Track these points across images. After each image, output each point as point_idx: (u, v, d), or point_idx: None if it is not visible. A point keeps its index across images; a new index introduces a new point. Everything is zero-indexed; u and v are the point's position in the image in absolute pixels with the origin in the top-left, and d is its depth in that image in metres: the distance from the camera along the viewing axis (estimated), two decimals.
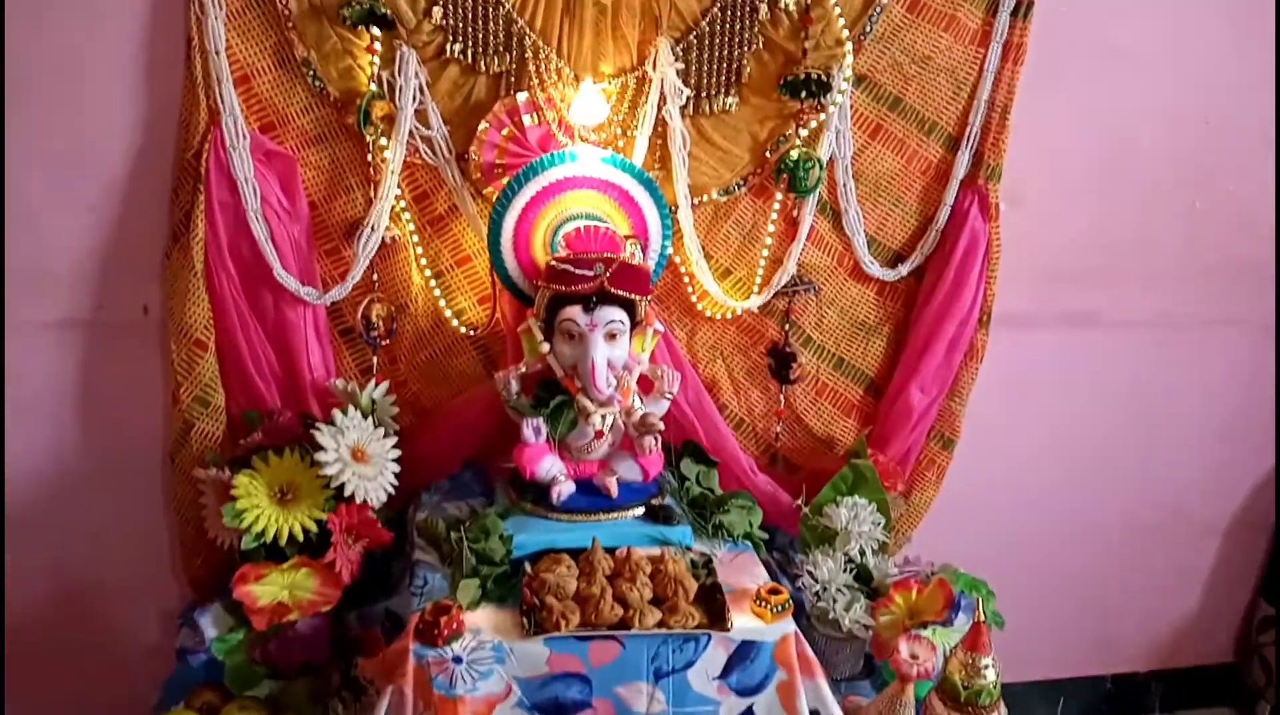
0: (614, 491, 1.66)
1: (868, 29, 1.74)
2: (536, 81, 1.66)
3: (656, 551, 1.56)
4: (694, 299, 1.86)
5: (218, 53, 1.55)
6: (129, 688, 1.93)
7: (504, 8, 1.62)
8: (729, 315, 1.88)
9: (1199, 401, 2.22)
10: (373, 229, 1.68)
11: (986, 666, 1.54)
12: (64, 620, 1.89)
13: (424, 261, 1.76)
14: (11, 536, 1.81)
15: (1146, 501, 2.27)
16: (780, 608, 1.51)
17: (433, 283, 1.78)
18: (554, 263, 1.60)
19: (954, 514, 2.05)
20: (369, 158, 1.67)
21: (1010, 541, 2.15)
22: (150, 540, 1.87)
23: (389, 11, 1.57)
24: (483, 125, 1.67)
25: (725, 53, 1.70)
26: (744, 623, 1.49)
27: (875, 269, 1.89)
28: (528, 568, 1.54)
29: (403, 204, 1.71)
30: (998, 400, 2.02)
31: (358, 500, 1.58)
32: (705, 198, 1.79)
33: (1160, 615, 2.43)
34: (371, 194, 1.68)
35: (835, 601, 1.72)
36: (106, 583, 1.88)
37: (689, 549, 1.63)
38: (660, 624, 1.46)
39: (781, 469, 2.00)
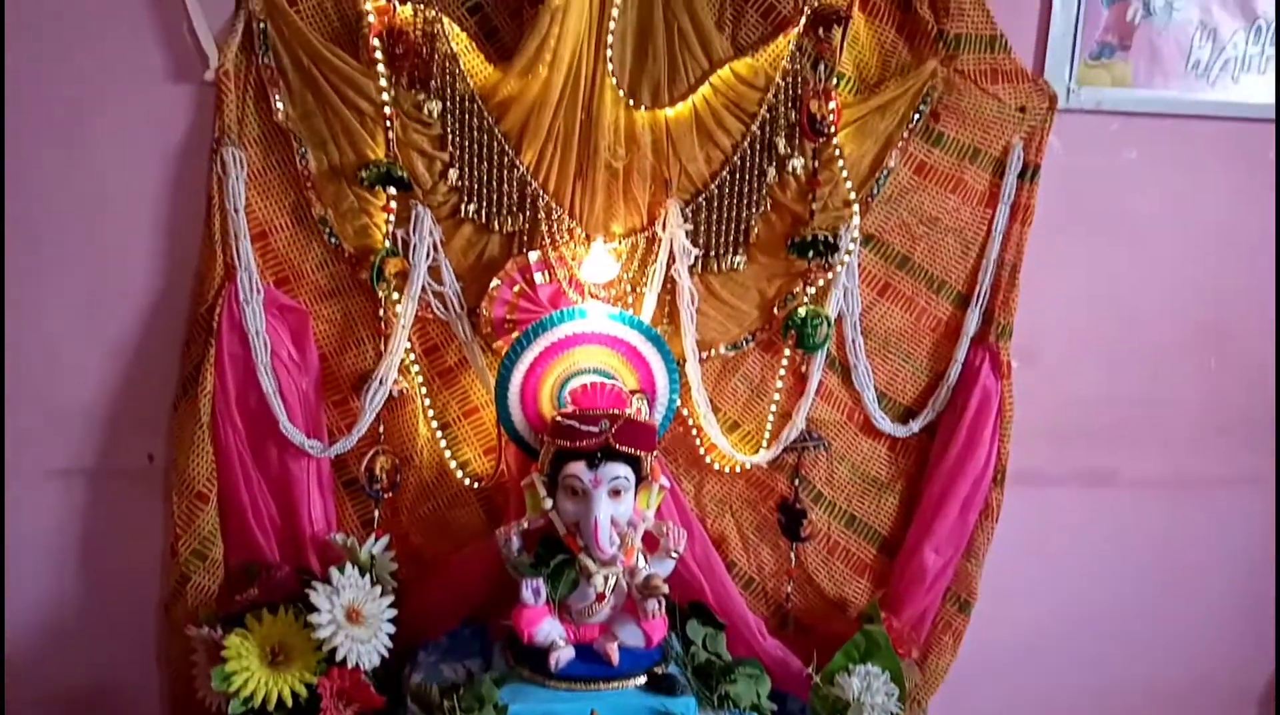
0: (615, 659, 1.59)
1: (875, 191, 1.77)
2: (549, 240, 1.69)
3: None
4: (702, 451, 1.84)
5: (237, 210, 1.59)
6: None
7: (518, 170, 1.66)
8: (738, 468, 1.85)
9: (1223, 562, 2.14)
10: (381, 382, 1.68)
11: None
12: None
13: (431, 413, 1.76)
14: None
15: (1173, 667, 2.17)
16: None
17: (439, 434, 1.77)
18: (559, 418, 1.60)
19: (971, 681, 1.97)
20: (381, 312, 1.69)
21: (1030, 709, 2.05)
22: (141, 694, 1.82)
23: (406, 174, 1.62)
24: (495, 282, 1.69)
25: (734, 214, 1.73)
26: None
27: (886, 425, 1.87)
28: None
29: (412, 357, 1.72)
30: (1015, 561, 1.96)
31: (350, 664, 1.53)
32: (713, 352, 1.79)
33: None
34: (382, 347, 1.70)
35: None
36: None
37: None
38: None
39: (792, 631, 1.93)
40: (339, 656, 1.52)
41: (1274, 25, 1.84)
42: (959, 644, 1.94)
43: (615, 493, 1.57)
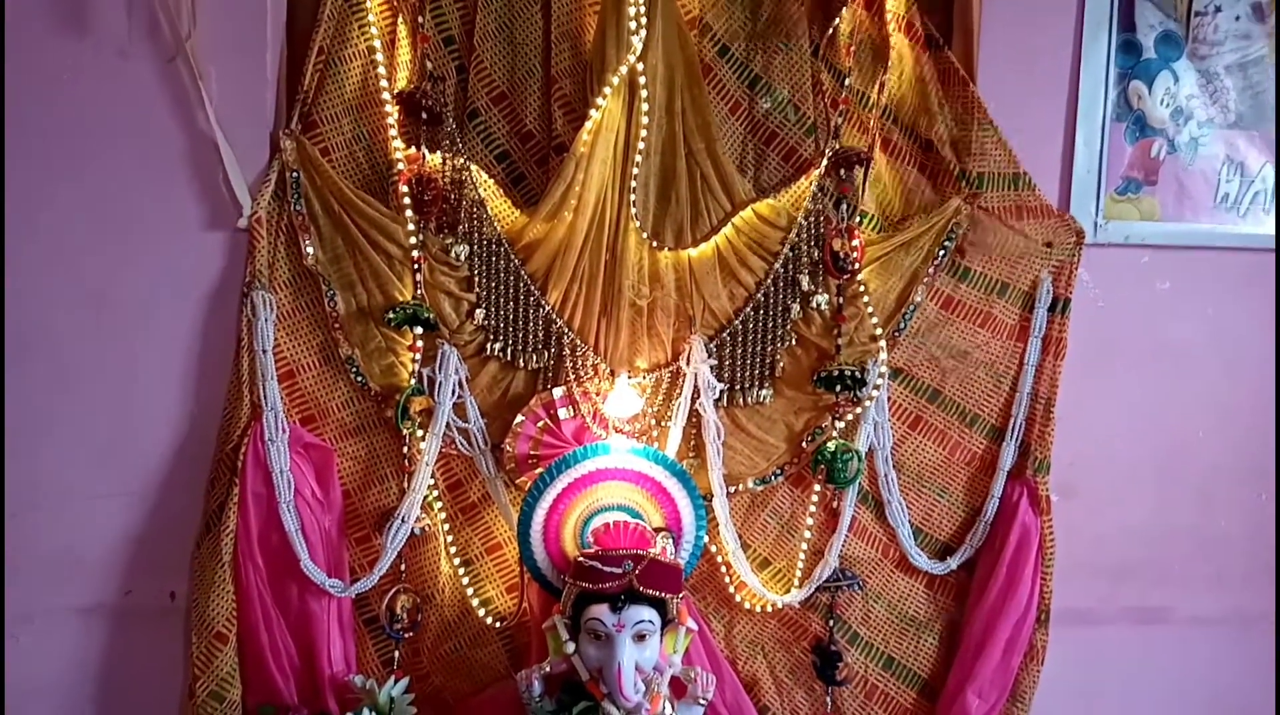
0: None
1: (902, 325, 1.76)
2: (573, 376, 1.70)
3: None
4: (732, 590, 1.79)
5: (265, 352, 1.62)
6: None
7: (544, 309, 1.68)
8: (769, 608, 1.79)
9: None
10: (403, 520, 1.67)
11: None
12: None
13: (453, 550, 1.74)
14: None
15: None
16: None
17: (461, 571, 1.74)
18: (581, 559, 1.57)
19: None
20: (405, 449, 1.69)
21: None
22: None
23: (432, 315, 1.64)
24: (519, 418, 1.69)
25: (758, 348, 1.73)
26: None
27: (923, 561, 1.81)
28: None
29: (436, 493, 1.71)
30: (1064, 707, 1.86)
31: None
32: (741, 487, 1.76)
33: None
34: (405, 484, 1.69)
35: None
36: None
37: None
38: None
39: None
40: None
41: None
42: None
43: (640, 637, 1.53)
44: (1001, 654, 1.78)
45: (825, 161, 1.69)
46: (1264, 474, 1.94)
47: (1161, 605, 1.94)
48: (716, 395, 1.71)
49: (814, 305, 1.71)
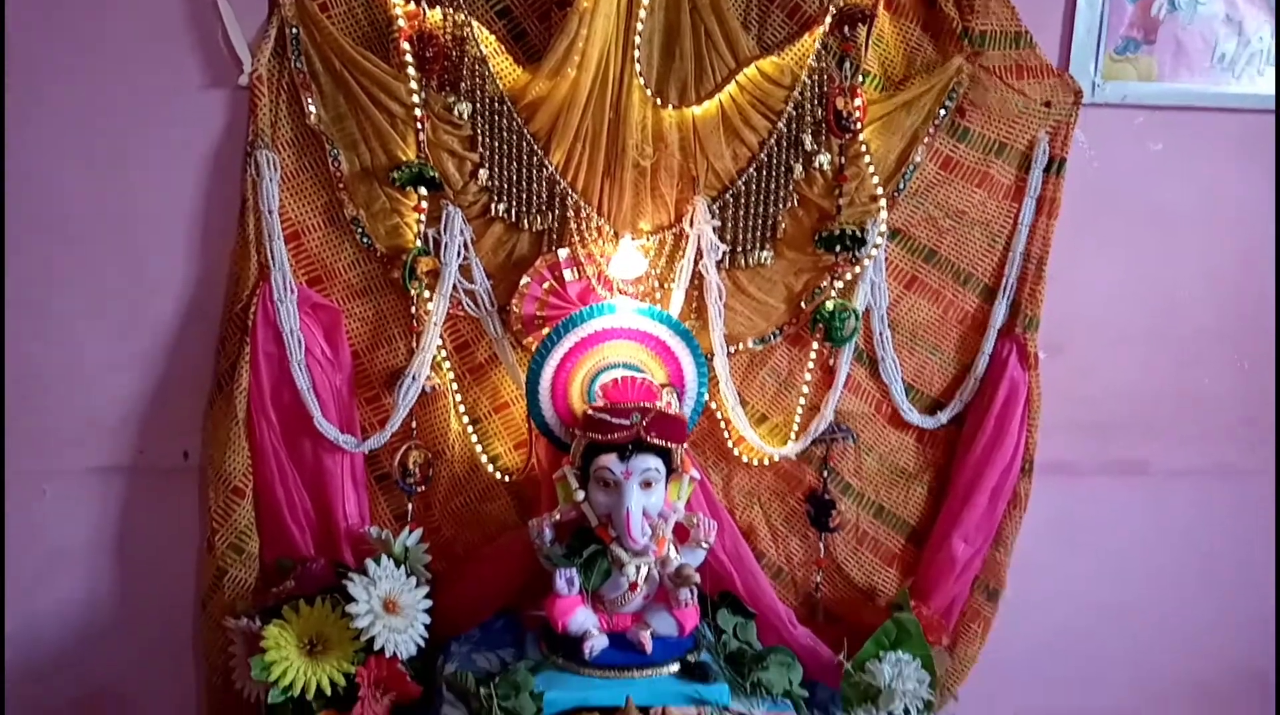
0: (648, 647, 1.62)
1: (901, 185, 1.78)
2: (577, 238, 1.71)
3: (693, 711, 1.52)
4: (730, 444, 1.85)
5: (271, 212, 1.63)
6: None
7: (547, 170, 1.69)
8: (766, 461, 1.87)
9: (1256, 552, 2.13)
10: (413, 379, 1.71)
11: None
12: None
13: (462, 408, 1.78)
14: (36, 678, 1.80)
15: (1203, 658, 2.16)
16: None
17: (470, 429, 1.79)
18: (591, 411, 1.62)
19: (1001, 671, 1.97)
20: (412, 310, 1.72)
21: (1060, 701, 2.06)
22: (177, 690, 1.86)
23: (437, 174, 1.64)
24: (525, 279, 1.71)
25: (761, 210, 1.75)
26: None
27: (914, 416, 1.88)
28: None
29: (443, 353, 1.75)
30: (1045, 551, 1.97)
31: (387, 653, 1.56)
32: (741, 346, 1.81)
33: None
34: (414, 344, 1.72)
35: None
36: None
37: (726, 709, 1.57)
38: None
39: (822, 620, 1.94)
40: (377, 646, 1.55)
41: None
42: (987, 632, 1.95)
43: (646, 484, 1.59)
44: (987, 502, 1.87)
45: (829, 18, 1.68)
46: (1247, 335, 2.00)
47: (1141, 458, 2.02)
48: (719, 257, 1.74)
49: (816, 165, 1.73)
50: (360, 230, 1.68)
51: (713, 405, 1.82)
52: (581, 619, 1.61)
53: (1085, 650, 2.10)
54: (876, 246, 1.76)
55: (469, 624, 1.78)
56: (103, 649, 1.81)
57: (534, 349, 1.71)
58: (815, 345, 1.82)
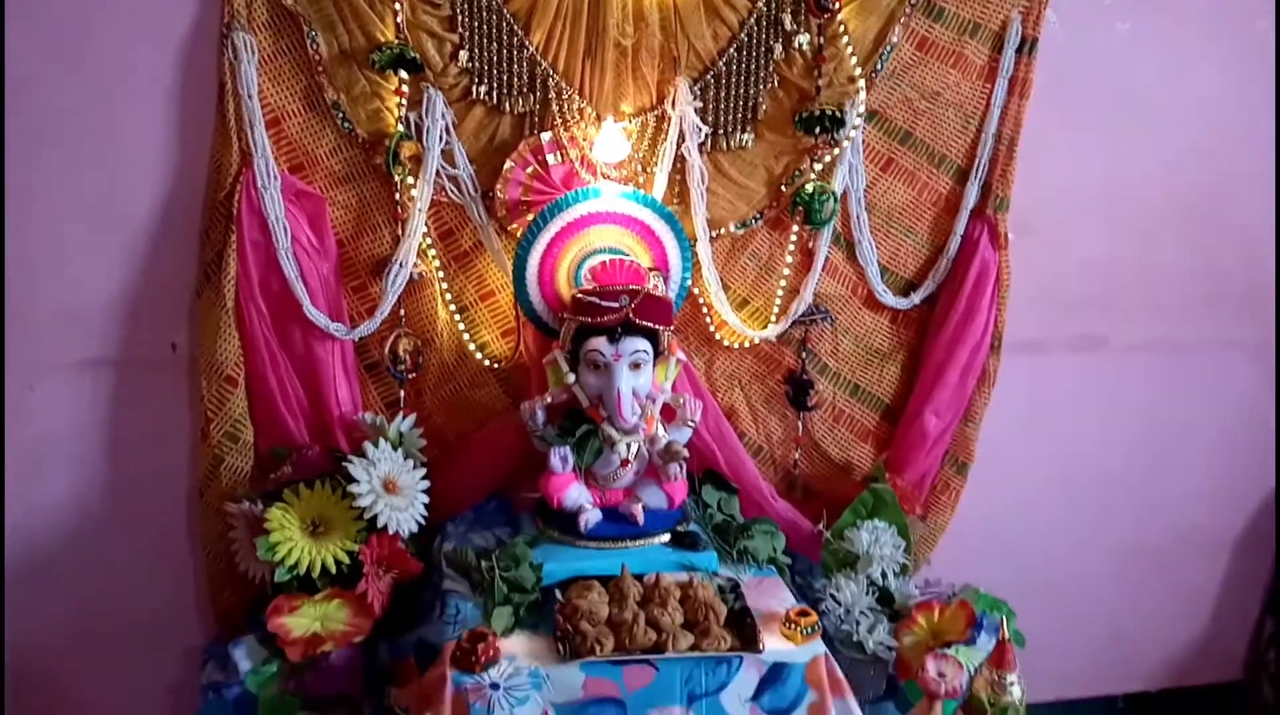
0: (640, 519, 1.68)
1: (879, 66, 1.80)
2: (560, 121, 1.71)
3: (684, 577, 1.59)
4: (712, 329, 1.90)
5: (250, 97, 1.60)
6: None
7: (528, 50, 1.67)
8: (747, 344, 1.92)
9: (1205, 422, 2.26)
10: (401, 265, 1.71)
11: (1012, 683, 1.57)
12: (85, 657, 1.89)
13: (449, 297, 1.80)
14: (35, 570, 1.82)
15: (1156, 522, 2.31)
16: (810, 630, 1.54)
17: (457, 317, 1.81)
18: (580, 295, 1.65)
19: (969, 537, 2.08)
20: (396, 196, 1.72)
21: (1024, 563, 2.18)
22: (174, 577, 1.89)
23: (417, 56, 1.62)
24: (508, 164, 1.71)
25: (742, 91, 1.76)
26: (774, 645, 1.52)
27: (889, 298, 1.94)
28: (559, 595, 1.57)
29: (428, 241, 1.75)
30: (1011, 425, 2.06)
31: (390, 531, 1.61)
32: (723, 231, 1.84)
33: (1171, 634, 2.45)
34: (399, 232, 1.73)
35: (859, 624, 1.75)
36: (129, 620, 1.89)
37: (715, 574, 1.65)
38: (693, 647, 1.48)
39: (800, 495, 2.03)
40: (380, 524, 1.59)
41: None
42: (956, 503, 2.05)
43: (635, 366, 1.64)
44: (958, 379, 1.95)
45: None
46: (1205, 213, 2.08)
47: (1102, 333, 2.12)
48: (701, 139, 1.76)
49: (795, 45, 1.74)
50: (341, 115, 1.66)
51: (695, 290, 1.86)
52: (576, 494, 1.67)
53: (1046, 517, 2.23)
54: (855, 128, 1.79)
55: (462, 508, 1.83)
56: (98, 542, 1.83)
57: (519, 235, 1.72)
58: (795, 229, 1.86)
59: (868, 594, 1.78)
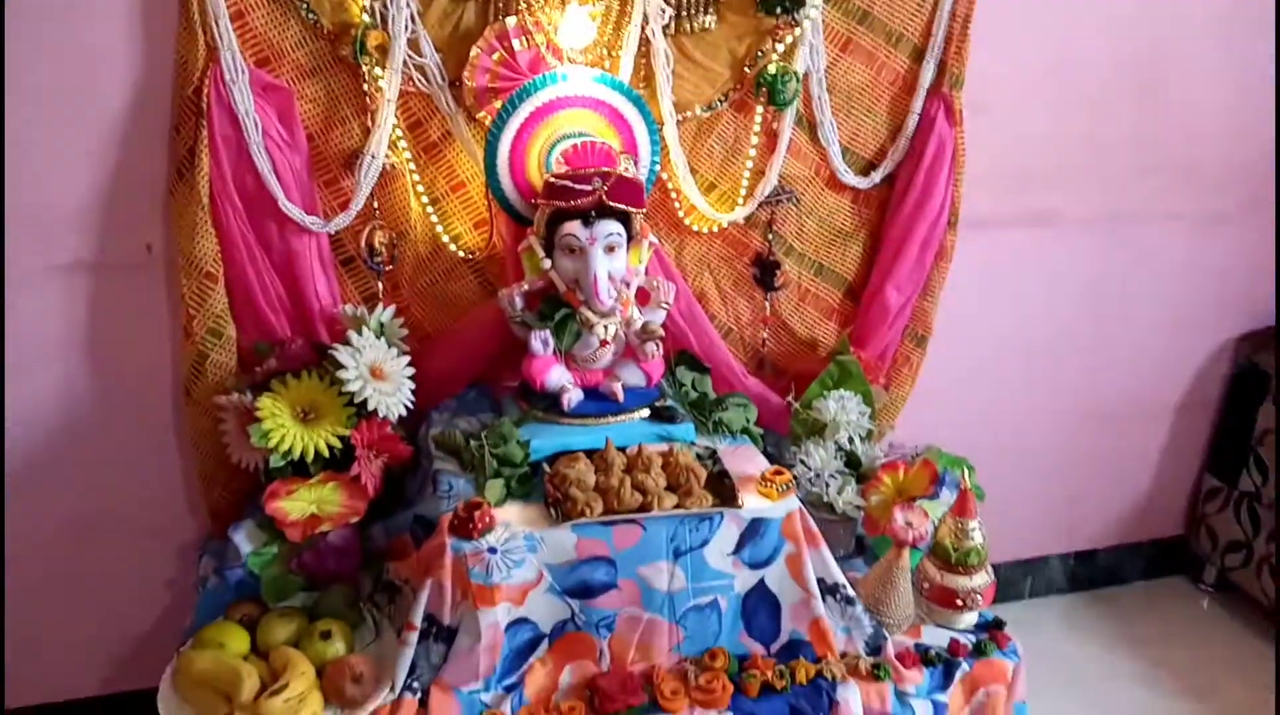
0: (620, 396, 1.75)
1: None
2: (524, 6, 1.72)
3: (665, 447, 1.67)
4: (681, 214, 1.94)
5: None
6: (148, 621, 2.01)
7: None
8: (715, 229, 1.97)
9: (1148, 293, 2.37)
10: (373, 157, 1.73)
11: (974, 530, 1.69)
12: (82, 557, 1.94)
13: (420, 189, 1.82)
14: (26, 479, 1.85)
15: (1101, 386, 2.44)
16: (784, 487, 1.63)
17: (429, 209, 1.84)
18: (553, 179, 1.68)
19: (929, 407, 2.19)
20: (364, 88, 1.72)
21: (980, 431, 2.29)
22: (164, 477, 1.93)
23: None
24: (474, 51, 1.72)
25: None
26: (752, 502, 1.61)
27: (850, 178, 1.99)
28: (547, 468, 1.64)
29: (398, 133, 1.77)
30: (966, 298, 2.15)
31: (379, 415, 1.66)
32: (689, 114, 1.87)
33: (1116, 494, 2.61)
34: (368, 123, 1.73)
35: (828, 486, 1.84)
36: (122, 520, 1.93)
37: (693, 444, 1.73)
38: (677, 507, 1.57)
39: (770, 373, 2.11)
40: (370, 407, 1.64)
41: None
42: (917, 375, 2.15)
43: (610, 249, 1.68)
44: (917, 254, 2.02)
45: None
46: (1146, 86, 2.15)
47: (1052, 208, 2.20)
48: (665, 21, 1.77)
49: None
50: (305, 6, 1.65)
51: (664, 175, 1.90)
52: (558, 376, 1.73)
53: (1001, 386, 2.34)
54: (815, 7, 1.82)
55: (444, 398, 1.88)
56: (89, 445, 1.86)
57: (488, 123, 1.74)
58: (759, 111, 1.90)
59: (836, 458, 1.87)
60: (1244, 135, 2.27)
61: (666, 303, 1.80)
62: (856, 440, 1.90)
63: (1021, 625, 1.81)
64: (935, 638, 1.70)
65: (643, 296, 1.80)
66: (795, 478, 1.84)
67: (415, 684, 1.51)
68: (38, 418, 1.83)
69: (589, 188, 1.65)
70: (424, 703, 1.50)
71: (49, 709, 2.03)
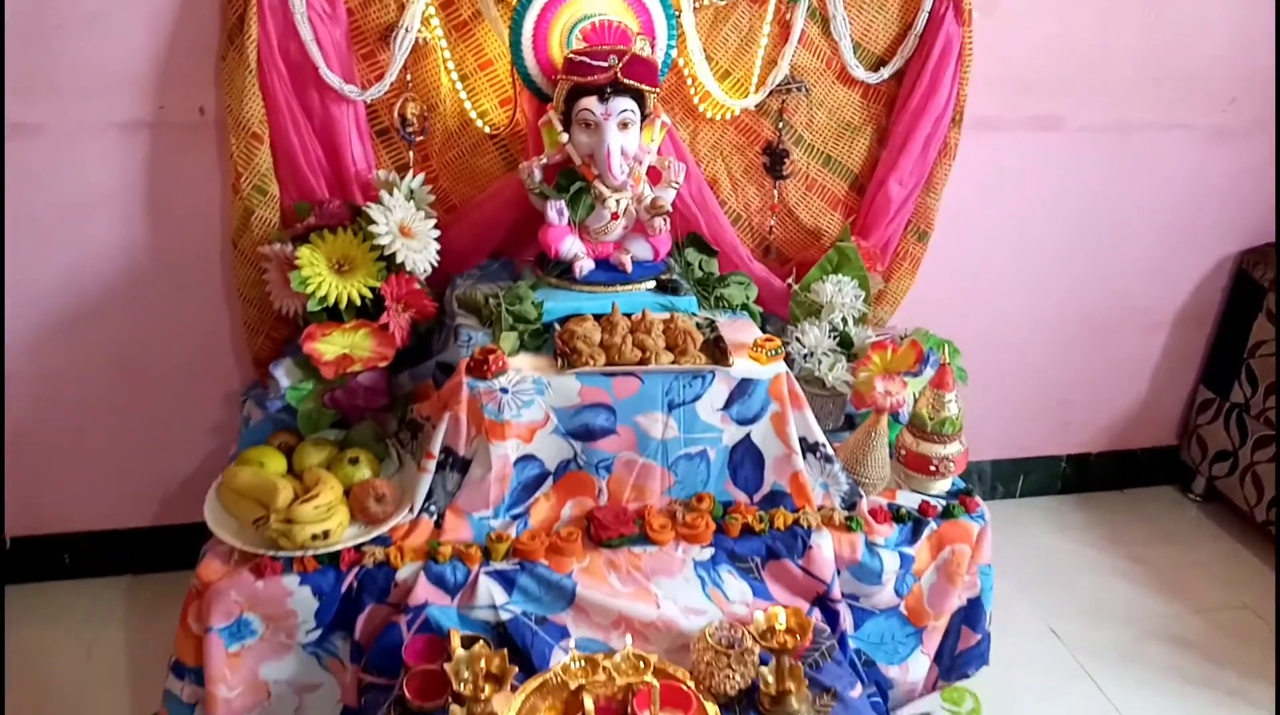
0: (629, 267, 1.89)
1: None
2: None
3: (666, 316, 1.81)
4: (696, 100, 2.05)
5: None
6: (194, 463, 2.21)
7: None
8: (728, 117, 2.07)
9: (1150, 203, 2.44)
10: (407, 30, 1.85)
11: (949, 401, 1.81)
12: (134, 401, 2.13)
13: (450, 64, 1.94)
14: (85, 322, 2.03)
15: (1100, 295, 2.52)
16: (774, 352, 1.77)
17: (459, 85, 1.96)
18: (571, 55, 1.79)
19: (927, 305, 2.28)
20: None
21: (978, 330, 2.39)
22: (212, 326, 2.11)
23: None
24: None
25: None
26: (743, 365, 1.75)
27: (860, 72, 2.08)
28: (557, 327, 1.79)
29: (431, 10, 1.88)
30: (969, 199, 2.24)
31: (407, 269, 1.81)
32: (706, 2, 1.96)
33: (1112, 401, 2.70)
34: None
35: (820, 363, 1.98)
36: (174, 366, 2.12)
37: (694, 314, 1.87)
38: (673, 363, 1.71)
39: (775, 259, 2.23)
40: (398, 261, 1.79)
41: None
42: (917, 269, 2.25)
43: (623, 125, 1.80)
44: (920, 149, 2.11)
45: None
46: None
47: (1057, 114, 2.27)
48: None
49: None
50: None
51: (680, 62, 2.00)
52: (571, 244, 1.87)
53: (1000, 287, 2.44)
54: None
55: (468, 266, 2.03)
56: (142, 294, 2.04)
57: (514, 3, 1.85)
58: (773, 2, 1.98)
59: (830, 338, 2.00)
60: (1254, 50, 2.31)
61: (676, 182, 1.92)
62: (850, 322, 2.03)
63: (1012, 522, 1.94)
64: (909, 501, 1.84)
65: (654, 175, 1.92)
66: (790, 355, 1.98)
67: (432, 507, 1.69)
68: (98, 263, 2.00)
69: (605, 64, 1.76)
70: (439, 524, 1.68)
71: (108, 535, 2.25)
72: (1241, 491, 2.60)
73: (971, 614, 1.88)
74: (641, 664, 1.45)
